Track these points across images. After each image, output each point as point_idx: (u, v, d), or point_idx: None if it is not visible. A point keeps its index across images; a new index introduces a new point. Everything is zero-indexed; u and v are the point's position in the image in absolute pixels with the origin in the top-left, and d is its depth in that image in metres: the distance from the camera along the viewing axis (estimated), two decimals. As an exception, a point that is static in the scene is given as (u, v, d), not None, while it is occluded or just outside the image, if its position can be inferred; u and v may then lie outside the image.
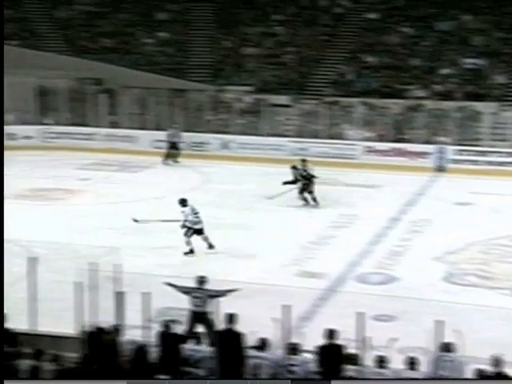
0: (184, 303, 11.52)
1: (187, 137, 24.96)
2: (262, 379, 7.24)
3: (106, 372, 7.91)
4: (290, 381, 6.81)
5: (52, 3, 31.17)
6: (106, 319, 9.72)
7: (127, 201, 19.35)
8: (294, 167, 19.44)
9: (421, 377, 8.35)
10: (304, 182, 19.15)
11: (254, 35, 30.26)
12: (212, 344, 9.29)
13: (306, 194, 19.15)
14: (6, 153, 24.02)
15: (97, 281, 10.21)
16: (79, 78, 26.78)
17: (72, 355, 8.97)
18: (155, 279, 12.65)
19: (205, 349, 9.29)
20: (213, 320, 10.26)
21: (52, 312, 11.12)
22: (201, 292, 10.98)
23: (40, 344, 9.39)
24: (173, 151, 24.27)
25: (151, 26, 30.88)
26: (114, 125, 26.04)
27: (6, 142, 25.10)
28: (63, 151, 24.72)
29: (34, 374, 7.71)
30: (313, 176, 19.12)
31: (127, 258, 14.62)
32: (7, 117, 25.76)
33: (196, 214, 15.66)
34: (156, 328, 9.53)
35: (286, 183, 19.29)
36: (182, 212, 15.66)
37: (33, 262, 10.75)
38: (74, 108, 26.30)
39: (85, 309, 9.92)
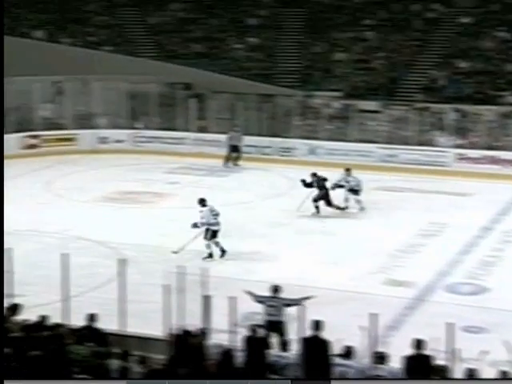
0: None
1: (275, 142, 25.05)
2: (262, 379, 7.23)
3: (192, 375, 8.00)
4: (290, 381, 6.82)
5: (145, 9, 31.82)
6: (193, 322, 9.86)
7: (215, 205, 19.50)
8: (314, 174, 18.98)
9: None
10: (320, 190, 18.71)
11: (343, 40, 30.14)
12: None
13: (321, 203, 18.62)
14: (98, 156, 25.04)
15: (184, 284, 10.36)
16: (169, 82, 27.23)
17: (159, 357, 9.13)
18: (241, 284, 12.77)
19: (290, 355, 9.29)
20: (287, 329, 10.22)
21: (140, 314, 11.34)
22: (276, 301, 10.89)
23: (128, 345, 9.60)
24: (233, 154, 24.38)
25: (241, 31, 31.15)
26: (203, 129, 26.36)
27: (99, 146, 25.90)
28: (153, 155, 25.17)
29: (124, 374, 7.88)
30: (324, 186, 18.63)
31: (214, 263, 14.87)
32: (100, 120, 26.52)
33: (215, 215, 15.42)
34: (242, 332, 9.62)
35: (305, 185, 18.78)
36: (200, 212, 15.48)
37: (122, 263, 10.98)
38: (164, 112, 26.74)
39: (172, 311, 10.08)
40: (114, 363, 8.29)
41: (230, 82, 27.48)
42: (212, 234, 15.39)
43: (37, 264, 14.33)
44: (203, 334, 9.43)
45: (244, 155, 24.76)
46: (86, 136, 25.83)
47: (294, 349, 9.48)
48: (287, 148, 25.20)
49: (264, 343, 9.54)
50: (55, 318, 10.14)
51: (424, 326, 10.96)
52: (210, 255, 15.30)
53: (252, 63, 29.75)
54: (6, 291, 11.35)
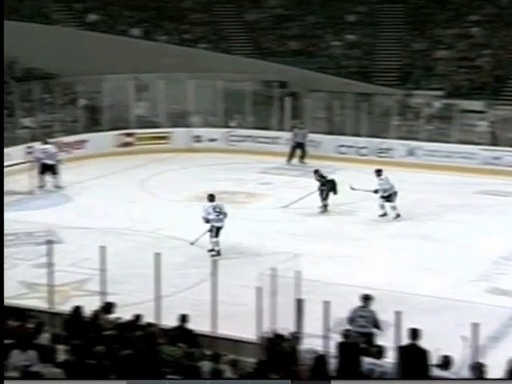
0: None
1: (372, 143, 24.82)
2: (262, 379, 7.13)
3: (283, 379, 8.00)
4: (289, 381, 6.74)
5: (241, 6, 32.09)
6: (285, 326, 9.87)
7: (308, 207, 19.51)
8: (316, 172, 19.31)
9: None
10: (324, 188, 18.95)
11: (446, 37, 29.60)
12: None
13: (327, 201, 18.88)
14: (192, 155, 25.37)
15: (277, 286, 10.39)
16: (265, 81, 27.35)
17: (250, 360, 9.18)
18: (335, 288, 12.72)
19: (386, 363, 9.18)
20: (375, 341, 10.03)
21: (232, 315, 11.44)
22: (367, 311, 10.70)
23: (219, 347, 9.71)
24: (298, 152, 24.48)
25: (339, 28, 31.03)
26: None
27: (193, 144, 26.26)
28: (247, 154, 25.32)
29: (216, 376, 7.96)
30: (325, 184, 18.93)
31: (307, 265, 14.78)
32: (194, 119, 26.88)
33: (218, 212, 15.58)
34: (335, 338, 9.57)
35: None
36: (203, 206, 15.77)
37: (215, 264, 11.11)
38: (259, 111, 26.85)
39: (264, 314, 10.12)
40: (206, 365, 8.38)
41: (327, 81, 27.38)
42: (216, 231, 15.52)
43: (129, 263, 14.62)
44: (296, 338, 9.43)
45: (340, 156, 24.65)
46: (179, 134, 26.21)
47: (390, 357, 9.36)
48: (385, 149, 24.92)
49: (358, 349, 9.46)
50: (147, 318, 10.34)
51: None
52: (218, 253, 15.35)
53: (350, 61, 29.57)
54: (99, 289, 11.68)
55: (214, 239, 15.52)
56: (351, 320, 10.55)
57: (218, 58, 28.74)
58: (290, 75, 27.63)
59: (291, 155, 24.45)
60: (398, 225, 17.91)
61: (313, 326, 9.99)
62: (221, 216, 15.67)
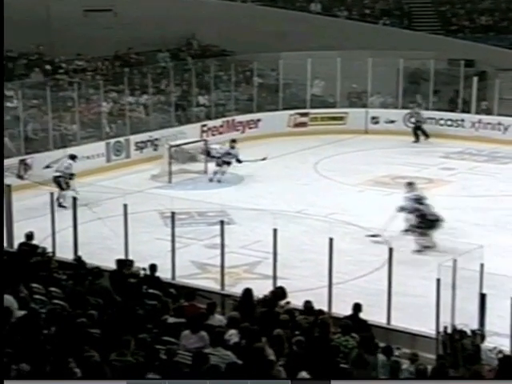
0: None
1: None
2: (261, 379, 6.82)
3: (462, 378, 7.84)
4: (289, 381, 6.40)
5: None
6: (466, 322, 9.63)
7: (495, 194, 18.93)
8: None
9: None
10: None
11: None
12: None
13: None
14: (368, 137, 25.19)
15: (457, 279, 10.15)
16: (450, 59, 26.66)
17: (427, 356, 9.06)
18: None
19: None
20: None
21: (408, 307, 11.31)
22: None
23: (394, 340, 9.63)
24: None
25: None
26: (485, 111, 25.54)
27: (370, 126, 26.07)
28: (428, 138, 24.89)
29: (393, 370, 7.94)
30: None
31: (491, 258, 14.33)
32: (372, 99, 26.67)
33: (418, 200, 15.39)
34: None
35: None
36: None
37: (391, 252, 11.00)
38: (442, 91, 26.27)
39: (443, 308, 9.92)
40: (380, 357, 8.37)
41: (519, 59, 26.35)
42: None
43: (301, 247, 14.76)
44: (478, 335, 9.19)
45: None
46: (356, 115, 26.10)
47: None
48: None
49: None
50: (319, 305, 10.42)
51: None
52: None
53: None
54: (270, 273, 11.89)
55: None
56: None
57: (401, 34, 28.32)
58: (479, 53, 26.78)
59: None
60: None
61: (496, 323, 9.70)
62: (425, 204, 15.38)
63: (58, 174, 17.90)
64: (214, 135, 23.94)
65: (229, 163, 20.39)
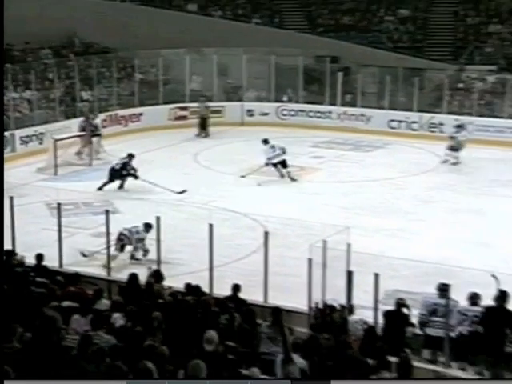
0: (414, 286, 11.43)
1: (424, 117, 24.52)
2: (261, 379, 7.03)
3: (334, 349, 8.02)
4: (289, 381, 6.60)
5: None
6: (336, 297, 9.86)
7: (359, 180, 19.43)
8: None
9: None
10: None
11: (501, 11, 28.95)
12: None
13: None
14: (244, 128, 25.38)
15: (327, 259, 10.38)
16: (317, 56, 27.13)
17: (301, 330, 9.22)
18: (385, 261, 12.65)
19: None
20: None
21: (283, 286, 11.48)
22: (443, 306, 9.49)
23: (270, 316, 9.72)
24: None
25: (392, 2, 30.57)
26: (350, 103, 26.15)
27: (245, 118, 26.25)
28: (298, 128, 25.24)
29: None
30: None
31: (357, 238, 14.73)
32: (246, 93, 26.84)
33: (273, 148, 19.21)
34: (384, 309, 9.56)
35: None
36: (262, 150, 19.12)
37: (266, 236, 11.13)
38: (310, 86, 26.72)
39: (315, 286, 10.12)
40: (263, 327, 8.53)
41: (379, 56, 27.09)
42: (281, 165, 18.99)
43: (183, 233, 14.72)
44: (346, 309, 9.42)
45: (390, 130, 24.47)
46: (232, 108, 26.23)
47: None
48: (436, 123, 24.60)
49: (406, 320, 9.46)
50: (202, 287, 10.42)
51: None
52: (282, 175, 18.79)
53: (402, 35, 29.15)
54: (155, 258, 11.83)
55: (285, 170, 18.87)
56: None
57: (272, 33, 28.61)
58: (342, 50, 27.38)
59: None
60: (450, 199, 17.72)
61: (363, 297, 9.98)
62: (277, 151, 19.06)
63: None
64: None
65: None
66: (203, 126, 24.70)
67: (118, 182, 18.44)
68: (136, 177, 18.34)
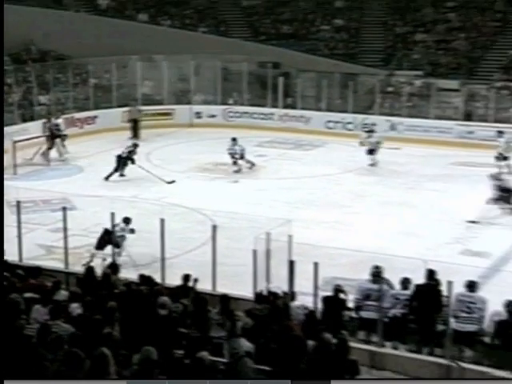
0: (350, 274, 11.53)
1: (357, 118, 24.76)
2: (261, 379, 6.98)
3: (278, 333, 8.04)
4: (289, 381, 6.67)
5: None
6: (279, 285, 9.90)
7: (300, 176, 19.53)
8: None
9: None
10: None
11: (426, 21, 29.39)
12: None
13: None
14: (193, 130, 25.29)
15: (271, 249, 10.41)
16: (260, 62, 27.18)
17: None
18: (324, 251, 12.75)
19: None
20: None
21: (231, 275, 11.47)
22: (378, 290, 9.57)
23: (218, 304, 9.70)
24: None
25: (328, 13, 30.76)
26: (290, 106, 26.27)
27: (194, 120, 26.15)
28: (243, 129, 25.22)
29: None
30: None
31: (298, 230, 14.80)
32: (195, 97, 26.74)
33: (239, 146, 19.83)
34: (323, 295, 9.63)
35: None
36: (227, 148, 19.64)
37: (214, 229, 11.11)
38: (254, 90, 26.76)
39: (260, 274, 10.15)
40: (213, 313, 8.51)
41: (316, 62, 27.24)
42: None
43: (137, 228, 14.56)
44: (288, 295, 9.46)
45: (328, 130, 24.64)
46: (181, 111, 26.11)
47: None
48: (369, 124, 24.85)
49: (343, 305, 9.54)
50: (155, 277, 10.34)
51: (498, 294, 10.68)
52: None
53: (337, 43, 29.38)
54: (110, 252, 11.70)
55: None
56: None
57: (218, 40, 28.53)
58: (283, 57, 27.47)
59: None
60: (382, 193, 17.94)
61: (304, 284, 10.03)
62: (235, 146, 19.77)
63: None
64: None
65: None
66: (135, 128, 24.26)
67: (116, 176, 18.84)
68: (133, 161, 18.96)
